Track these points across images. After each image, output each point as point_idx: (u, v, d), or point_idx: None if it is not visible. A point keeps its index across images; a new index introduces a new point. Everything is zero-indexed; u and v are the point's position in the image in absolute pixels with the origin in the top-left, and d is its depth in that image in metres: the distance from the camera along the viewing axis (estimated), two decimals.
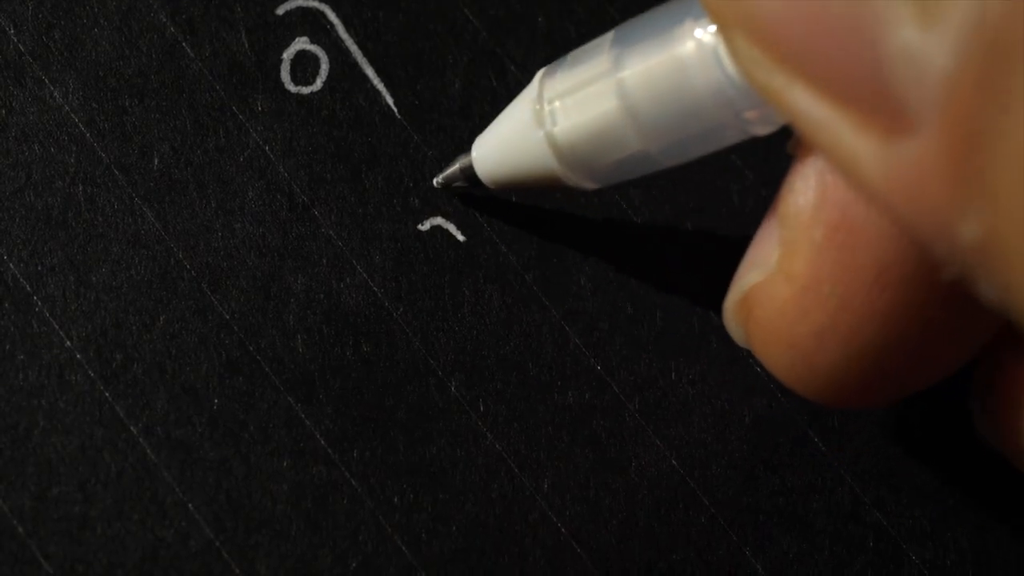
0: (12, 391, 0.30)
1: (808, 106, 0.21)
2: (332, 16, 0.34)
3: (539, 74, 0.29)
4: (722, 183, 0.34)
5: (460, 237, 0.33)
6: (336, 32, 0.34)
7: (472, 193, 0.32)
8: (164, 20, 0.33)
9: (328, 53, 0.33)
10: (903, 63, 0.19)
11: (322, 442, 0.31)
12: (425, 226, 0.33)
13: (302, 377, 0.31)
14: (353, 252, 0.32)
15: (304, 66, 0.33)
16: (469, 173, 0.31)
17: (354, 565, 0.30)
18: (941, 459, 0.32)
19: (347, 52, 0.34)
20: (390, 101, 0.33)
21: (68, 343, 0.31)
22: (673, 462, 0.32)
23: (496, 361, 0.32)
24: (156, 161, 0.32)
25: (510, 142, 0.30)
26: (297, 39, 0.33)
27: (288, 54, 0.33)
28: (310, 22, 0.34)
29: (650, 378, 0.32)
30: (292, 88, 0.33)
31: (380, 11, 0.34)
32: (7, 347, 0.31)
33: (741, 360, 0.32)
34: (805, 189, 0.26)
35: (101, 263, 0.31)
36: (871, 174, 0.21)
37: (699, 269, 0.33)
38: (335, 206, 0.32)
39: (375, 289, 0.32)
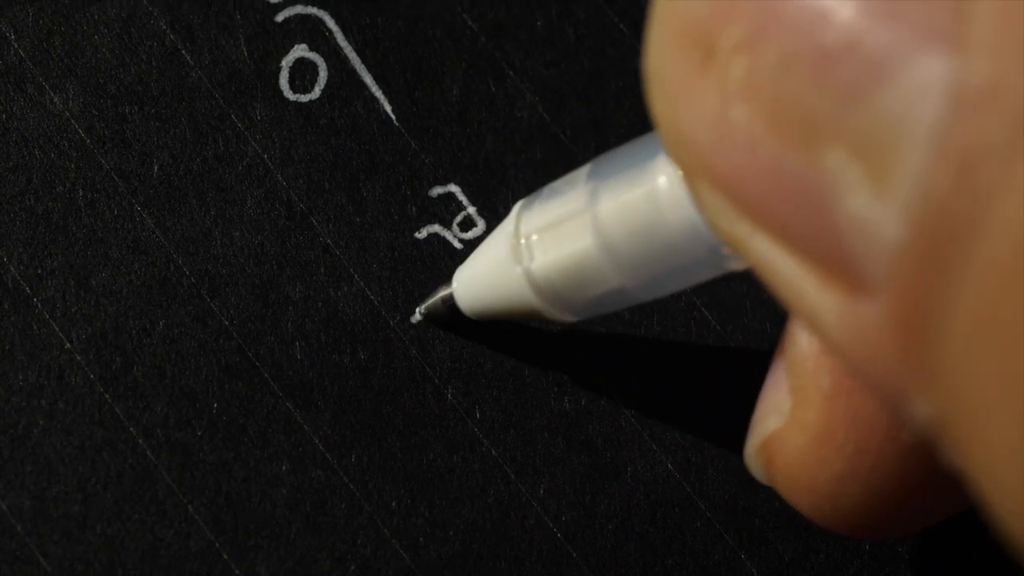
0: (12, 392, 0.30)
1: (770, 257, 0.21)
2: (331, 23, 0.34)
3: (516, 207, 0.29)
4: None
5: (457, 245, 0.33)
6: (335, 39, 0.34)
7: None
8: (164, 27, 0.33)
9: (327, 60, 0.34)
10: (855, 228, 0.19)
11: (320, 447, 0.31)
12: (422, 234, 0.33)
13: (300, 383, 0.31)
14: (351, 260, 0.32)
15: (303, 74, 0.33)
16: (450, 304, 0.32)
17: (352, 568, 0.30)
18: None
19: (346, 59, 0.34)
20: (388, 109, 0.33)
21: (68, 345, 0.31)
22: (669, 466, 0.32)
23: (492, 368, 0.32)
24: (156, 168, 0.32)
25: (489, 276, 0.30)
26: (296, 46, 0.34)
27: (287, 62, 0.33)
28: (309, 29, 0.34)
29: (646, 383, 0.32)
30: (291, 96, 0.33)
31: (379, 17, 0.34)
32: (7, 348, 0.31)
33: (736, 364, 0.33)
34: (807, 338, 0.26)
35: (101, 267, 0.31)
36: (832, 329, 0.20)
37: None
38: (333, 214, 0.33)
39: (372, 297, 0.32)
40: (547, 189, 0.28)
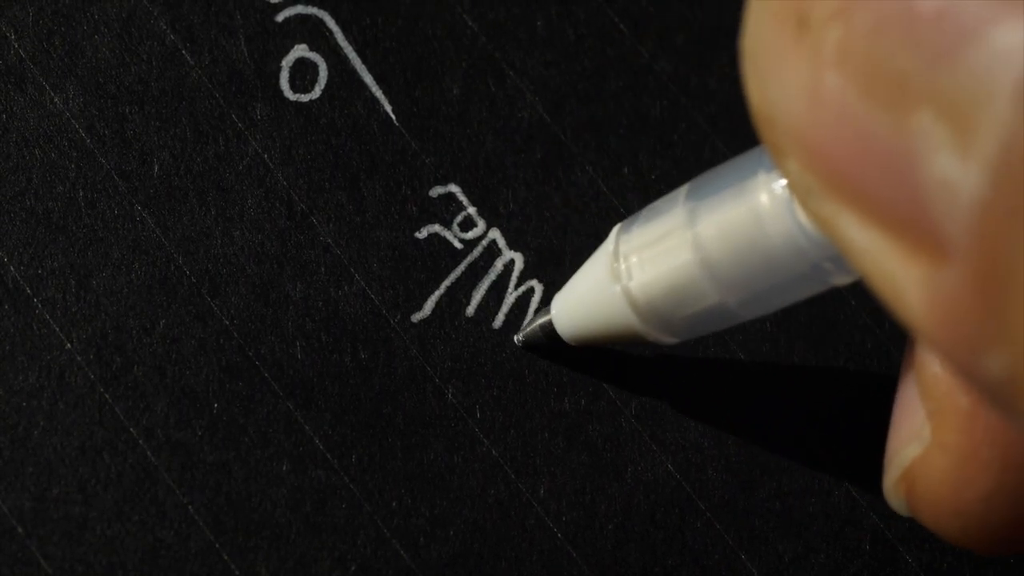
0: (12, 392, 0.30)
1: (856, 235, 0.21)
2: (331, 23, 0.34)
3: (615, 229, 0.29)
4: None
5: (457, 245, 0.33)
6: (335, 39, 0.34)
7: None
8: (164, 27, 0.33)
9: (327, 60, 0.34)
10: (939, 190, 0.19)
11: (321, 447, 0.31)
12: (422, 234, 0.33)
13: (301, 383, 0.31)
14: (351, 260, 0.32)
15: (303, 74, 0.33)
16: (549, 331, 0.31)
17: (353, 568, 0.30)
18: None
19: (346, 59, 0.34)
20: (388, 109, 0.33)
21: (68, 345, 0.31)
22: (669, 467, 0.32)
23: (492, 368, 0.32)
24: (156, 168, 0.32)
25: (588, 299, 0.30)
26: (296, 46, 0.34)
27: (287, 61, 0.33)
28: (309, 29, 0.34)
29: (646, 383, 0.32)
30: (291, 96, 0.33)
31: (379, 17, 0.34)
32: (7, 348, 0.31)
33: (737, 364, 0.33)
34: (938, 360, 0.25)
35: (101, 267, 0.31)
36: (915, 305, 0.20)
37: None
38: (333, 214, 0.33)
39: (373, 296, 0.32)
40: (645, 211, 0.28)
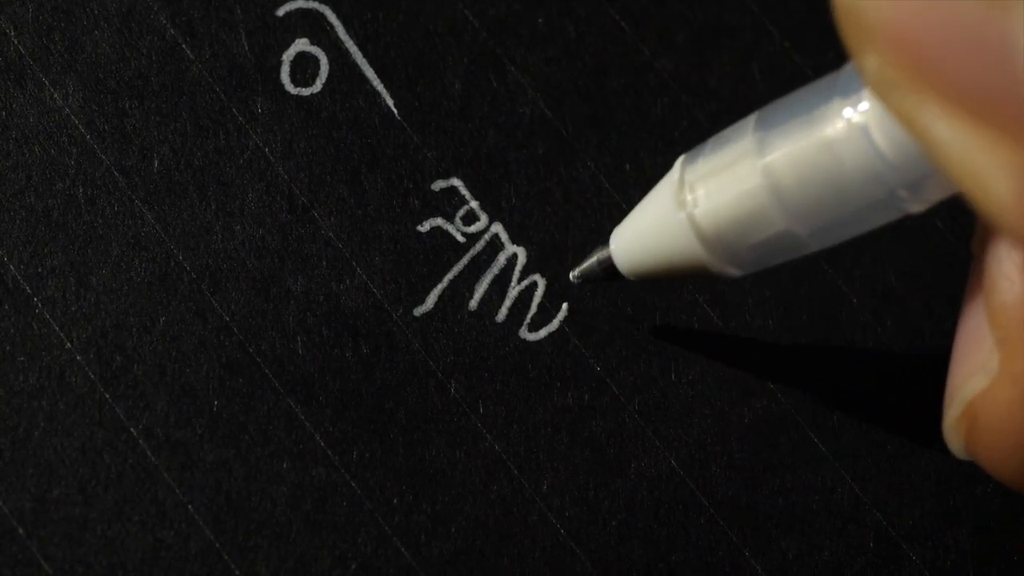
0: (12, 393, 0.30)
1: (940, 127, 0.21)
2: (332, 17, 0.34)
3: (680, 160, 0.28)
4: None
5: (459, 238, 0.33)
6: (336, 33, 0.34)
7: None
8: (164, 22, 0.33)
9: (328, 54, 0.33)
10: None
11: (322, 444, 0.31)
12: (424, 227, 0.33)
13: (302, 379, 0.31)
14: (353, 254, 0.32)
15: (304, 68, 0.33)
16: (607, 265, 0.30)
17: (354, 566, 0.30)
18: (941, 459, 0.32)
19: (347, 53, 0.34)
20: (390, 103, 0.33)
21: (68, 345, 0.31)
22: (672, 463, 0.32)
23: (495, 363, 0.32)
24: (156, 163, 0.32)
25: (651, 229, 0.29)
26: (297, 40, 0.33)
27: (288, 55, 0.33)
28: (310, 23, 0.34)
29: (649, 379, 0.32)
30: (292, 90, 0.33)
31: (380, 12, 0.34)
32: (7, 349, 0.31)
33: (740, 361, 0.32)
34: (1010, 285, 0.25)
35: (101, 265, 0.31)
36: (1001, 195, 0.20)
37: None
38: (335, 208, 0.32)
39: (375, 291, 0.32)
40: (712, 140, 0.28)
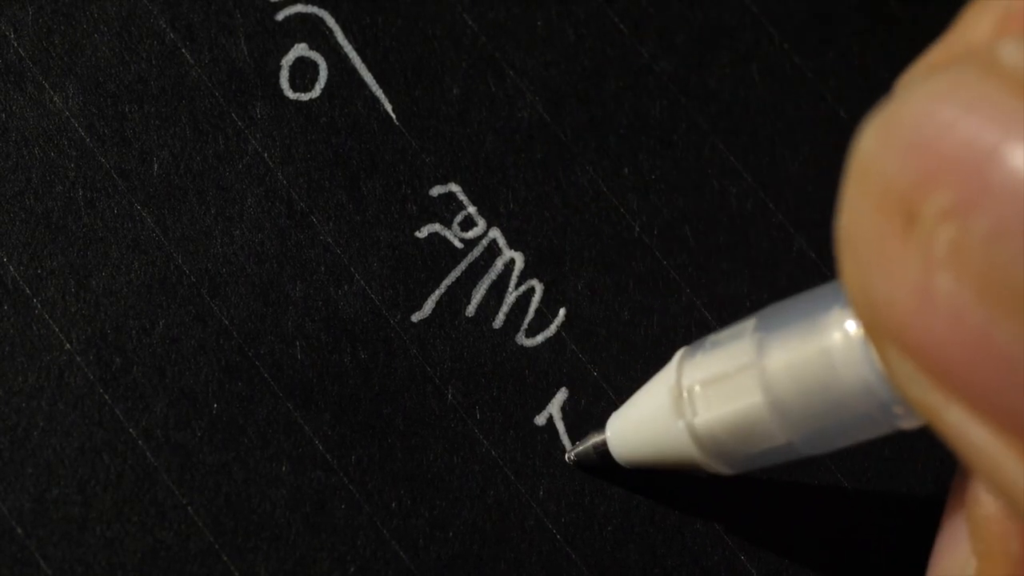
0: (12, 393, 0.30)
1: (968, 429, 0.20)
2: (331, 22, 0.34)
3: (677, 356, 0.29)
4: (720, 186, 0.34)
5: (457, 244, 0.33)
6: (335, 38, 0.34)
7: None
8: (164, 26, 0.33)
9: (327, 59, 0.34)
10: None
11: (320, 448, 0.31)
12: (423, 233, 0.33)
13: (301, 383, 0.31)
14: (351, 259, 0.32)
15: (303, 73, 0.33)
16: (602, 451, 0.31)
17: (352, 569, 0.30)
18: (941, 461, 0.32)
19: (346, 58, 0.34)
20: (388, 108, 0.33)
21: (68, 346, 0.31)
22: None
23: (492, 368, 0.32)
24: (156, 167, 0.32)
25: (647, 427, 0.29)
26: (296, 45, 0.34)
27: (287, 60, 0.33)
28: (309, 28, 0.34)
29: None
30: (291, 95, 0.33)
31: (379, 16, 0.34)
32: (7, 349, 0.31)
33: None
34: (991, 499, 0.25)
35: (101, 267, 0.31)
36: None
37: (697, 273, 0.33)
38: (333, 213, 0.33)
39: (373, 296, 0.32)
40: (710, 339, 0.28)
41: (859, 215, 0.21)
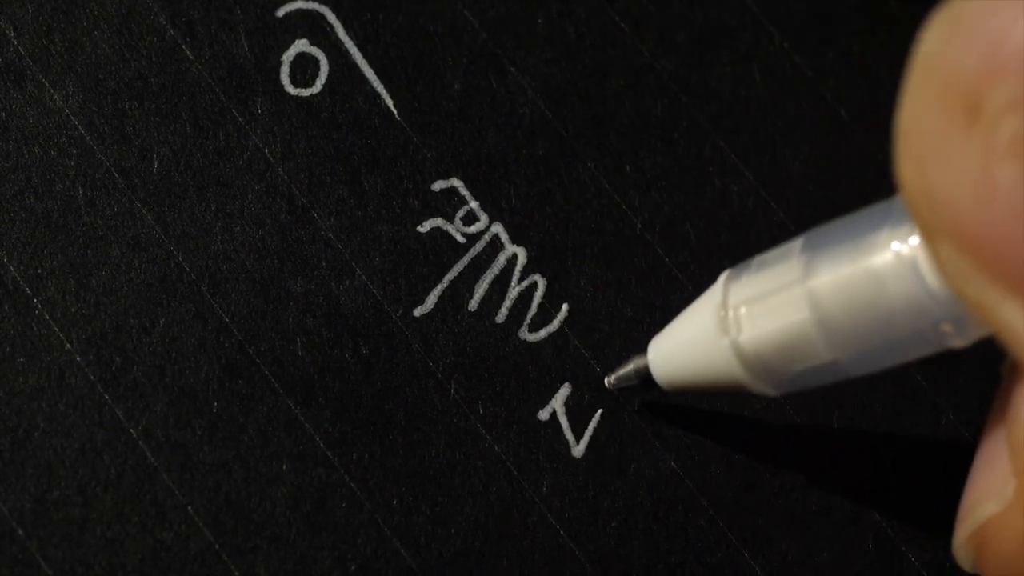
0: (12, 394, 0.30)
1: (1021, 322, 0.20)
2: (332, 18, 0.34)
3: (723, 276, 0.28)
4: (722, 183, 0.34)
5: (459, 239, 0.33)
6: (336, 34, 0.34)
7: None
8: (164, 23, 0.33)
9: (328, 55, 0.33)
10: None
11: (321, 445, 0.31)
12: (424, 228, 0.33)
13: (301, 380, 0.31)
14: (352, 254, 0.32)
15: (304, 68, 0.33)
16: (644, 375, 0.31)
17: (353, 568, 0.30)
18: (941, 460, 0.32)
19: (347, 54, 0.34)
20: (390, 103, 0.33)
21: (68, 346, 0.31)
22: (672, 464, 0.32)
23: (495, 363, 0.32)
24: (156, 164, 0.32)
25: (691, 347, 0.29)
26: (297, 41, 0.33)
27: (288, 56, 0.33)
28: (310, 24, 0.34)
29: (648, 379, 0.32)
30: (292, 90, 0.33)
31: (380, 12, 0.34)
32: (7, 350, 0.31)
33: None
34: None
35: (101, 266, 0.31)
36: None
37: (699, 270, 0.33)
38: (334, 208, 0.32)
39: (374, 291, 0.32)
40: (756, 260, 0.28)
41: (920, 109, 0.21)
